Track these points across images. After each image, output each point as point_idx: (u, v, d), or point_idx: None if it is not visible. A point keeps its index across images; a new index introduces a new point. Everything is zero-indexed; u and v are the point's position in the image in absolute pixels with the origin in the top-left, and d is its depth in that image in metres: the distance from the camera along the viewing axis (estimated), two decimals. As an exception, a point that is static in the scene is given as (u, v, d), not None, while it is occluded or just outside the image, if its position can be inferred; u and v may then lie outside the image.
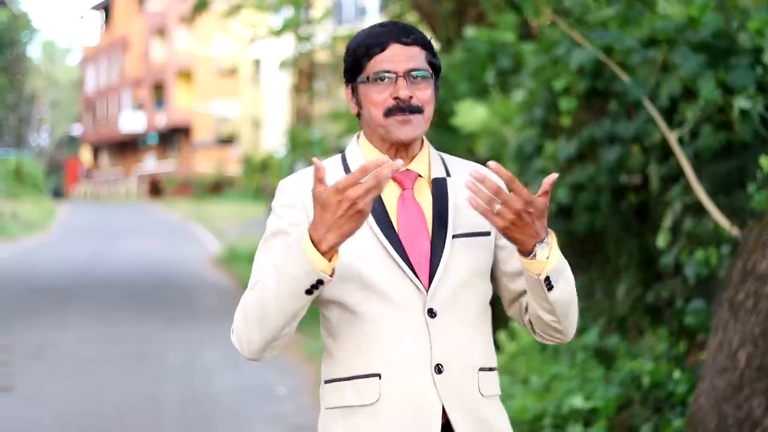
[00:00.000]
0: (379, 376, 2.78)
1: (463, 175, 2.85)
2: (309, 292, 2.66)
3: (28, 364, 10.84)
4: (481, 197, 2.64)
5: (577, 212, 7.52)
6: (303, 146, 22.26)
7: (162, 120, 69.40)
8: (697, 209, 6.63)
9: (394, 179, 2.85)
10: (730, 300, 5.47)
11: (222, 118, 61.59)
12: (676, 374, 6.57)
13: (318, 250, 2.61)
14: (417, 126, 2.82)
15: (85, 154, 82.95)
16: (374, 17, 38.04)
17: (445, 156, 2.97)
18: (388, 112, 2.82)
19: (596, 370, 7.18)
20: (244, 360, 11.11)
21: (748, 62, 6.58)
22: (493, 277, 2.93)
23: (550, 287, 2.74)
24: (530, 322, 2.89)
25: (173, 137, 69.92)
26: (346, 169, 2.88)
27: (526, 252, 2.71)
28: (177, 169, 66.59)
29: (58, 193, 74.73)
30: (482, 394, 2.83)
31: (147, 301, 16.69)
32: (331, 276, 2.64)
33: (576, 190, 7.39)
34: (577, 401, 6.62)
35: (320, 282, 2.64)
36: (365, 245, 2.79)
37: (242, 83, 57.81)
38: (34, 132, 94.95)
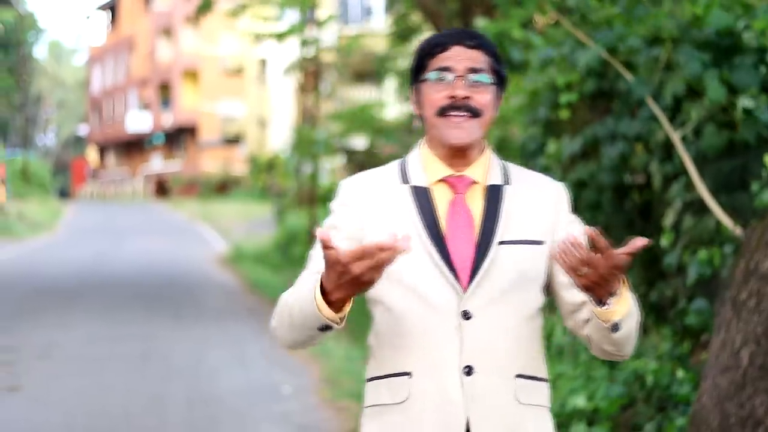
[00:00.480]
0: (410, 374, 2.81)
1: (525, 185, 2.89)
2: (321, 329, 2.71)
3: (34, 364, 10.87)
4: (570, 260, 2.60)
5: (579, 210, 7.53)
6: (308, 146, 22.29)
7: (168, 120, 69.46)
8: (699, 208, 6.65)
9: (448, 183, 2.87)
10: (733, 299, 5.48)
11: (228, 118, 61.65)
12: (680, 374, 6.59)
13: (328, 299, 2.65)
14: (470, 130, 2.83)
15: (92, 154, 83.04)
16: (380, 17, 38.06)
17: (510, 165, 2.96)
18: (442, 111, 2.83)
19: (600, 369, 7.18)
20: (250, 359, 11.17)
21: (752, 61, 6.59)
22: (550, 289, 2.92)
23: (615, 330, 2.73)
24: (588, 339, 2.87)
25: (179, 137, 69.98)
26: (403, 177, 2.91)
27: (599, 301, 2.69)
28: (183, 169, 66.65)
29: (64, 193, 74.82)
30: (519, 401, 2.83)
31: (153, 301, 16.72)
32: (339, 323, 2.68)
33: (578, 188, 7.40)
34: (580, 401, 6.63)
35: (329, 326, 2.68)
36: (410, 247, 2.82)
37: (248, 83, 57.85)
38: (40, 132, 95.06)
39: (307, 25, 19.75)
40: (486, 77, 2.84)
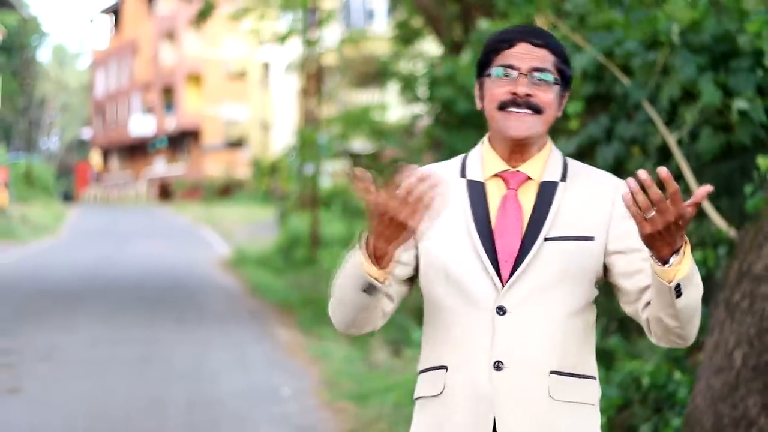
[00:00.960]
0: (446, 368, 2.87)
1: (582, 181, 2.90)
2: (366, 291, 2.75)
3: (36, 366, 10.92)
4: (639, 199, 2.56)
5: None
6: (310, 149, 22.33)
7: (171, 123, 69.52)
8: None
9: (503, 178, 2.92)
10: (726, 300, 5.52)
11: (231, 122, 61.70)
12: (676, 375, 6.62)
13: (373, 255, 2.70)
14: (530, 125, 2.86)
15: (95, 158, 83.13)
16: (382, 21, 38.11)
17: (572, 162, 2.98)
18: (502, 106, 2.87)
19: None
20: (250, 362, 11.22)
21: (748, 65, 6.63)
22: (610, 282, 2.93)
23: (678, 294, 2.69)
24: (648, 323, 2.85)
25: (183, 140, 70.04)
26: (462, 171, 2.96)
27: (661, 259, 2.67)
28: (186, 173, 66.70)
29: (68, 197, 74.91)
30: (552, 398, 2.83)
31: (156, 304, 16.76)
32: (382, 282, 2.73)
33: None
34: (577, 401, 6.66)
35: (373, 285, 2.73)
36: (458, 240, 2.88)
37: (251, 86, 57.93)
38: (43, 136, 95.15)
39: (308, 26, 19.80)
40: (549, 76, 2.87)
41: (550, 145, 2.97)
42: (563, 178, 2.92)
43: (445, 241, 2.89)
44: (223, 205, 50.08)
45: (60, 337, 12.90)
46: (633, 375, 6.91)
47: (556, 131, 7.96)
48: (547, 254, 2.85)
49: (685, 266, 2.67)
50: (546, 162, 2.93)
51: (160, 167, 70.98)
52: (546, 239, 2.85)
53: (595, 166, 7.50)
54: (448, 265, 2.88)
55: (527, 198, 2.91)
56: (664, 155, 7.11)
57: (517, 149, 2.90)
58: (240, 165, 60.72)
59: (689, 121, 6.61)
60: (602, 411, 6.61)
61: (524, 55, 2.86)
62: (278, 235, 27.56)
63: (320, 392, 9.55)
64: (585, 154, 7.71)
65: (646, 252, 2.73)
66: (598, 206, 2.90)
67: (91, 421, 8.38)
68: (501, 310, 2.84)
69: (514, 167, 2.92)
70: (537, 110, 2.85)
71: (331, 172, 30.22)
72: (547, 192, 2.90)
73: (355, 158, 28.16)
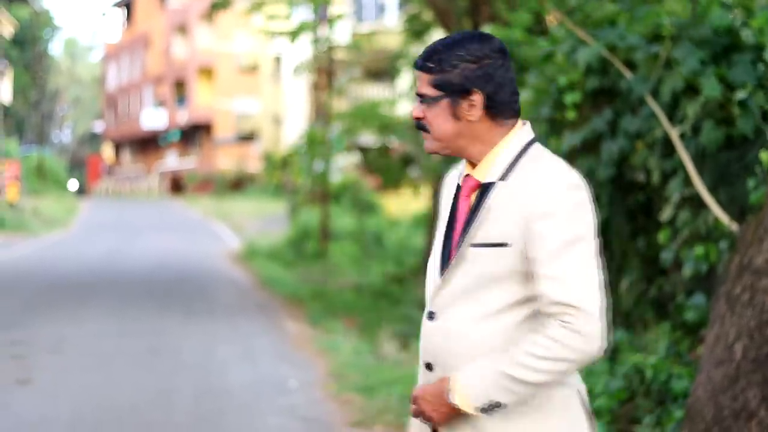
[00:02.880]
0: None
1: (522, 182, 2.95)
2: None
3: (45, 358, 10.99)
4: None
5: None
6: (320, 144, 22.37)
7: (183, 117, 69.64)
8: (697, 203, 6.72)
9: (463, 185, 3.07)
10: (727, 294, 5.56)
11: (243, 115, 61.79)
12: (679, 368, 6.67)
13: None
14: (428, 144, 3.06)
15: (107, 151, 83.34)
16: (393, 15, 38.13)
17: (527, 160, 2.99)
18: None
19: (601, 363, 7.26)
20: (258, 354, 11.26)
21: (750, 58, 6.67)
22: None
23: (495, 406, 2.89)
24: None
25: (194, 134, 70.17)
26: (461, 174, 3.16)
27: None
28: (198, 166, 66.83)
29: (80, 190, 75.07)
30: None
31: (165, 297, 16.84)
32: None
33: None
34: (580, 394, 6.71)
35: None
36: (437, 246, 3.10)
37: (263, 80, 57.99)
38: (56, 129, 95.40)
39: (319, 23, 19.84)
40: (429, 99, 2.99)
41: (502, 146, 3.01)
42: (503, 177, 2.98)
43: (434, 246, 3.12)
44: (235, 198, 50.20)
45: (69, 329, 12.98)
46: (636, 368, 6.96)
47: (560, 125, 8.00)
48: (471, 259, 2.96)
49: (464, 403, 2.90)
50: (492, 164, 3.01)
51: (172, 161, 71.13)
52: (471, 245, 2.96)
53: (600, 159, 7.56)
54: (428, 268, 3.10)
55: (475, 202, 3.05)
56: (667, 148, 7.15)
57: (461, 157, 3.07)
58: (251, 159, 60.83)
59: (691, 115, 6.65)
60: (605, 403, 6.65)
61: (417, 81, 3.05)
62: (289, 229, 27.64)
63: (327, 384, 9.60)
64: (589, 148, 7.76)
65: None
66: (519, 209, 2.93)
67: (99, 412, 8.45)
68: (430, 315, 3.02)
69: (468, 173, 3.05)
70: (427, 130, 3.00)
71: (342, 167, 30.27)
72: (483, 195, 3.00)
73: (365, 152, 28.22)
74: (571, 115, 7.58)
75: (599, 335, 2.83)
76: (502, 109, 2.98)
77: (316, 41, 15.74)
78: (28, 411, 8.43)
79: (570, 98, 7.42)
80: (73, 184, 69.05)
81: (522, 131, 3.01)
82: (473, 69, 2.95)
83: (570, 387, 2.98)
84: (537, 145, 3.02)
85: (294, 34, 15.93)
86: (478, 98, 2.97)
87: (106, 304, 15.79)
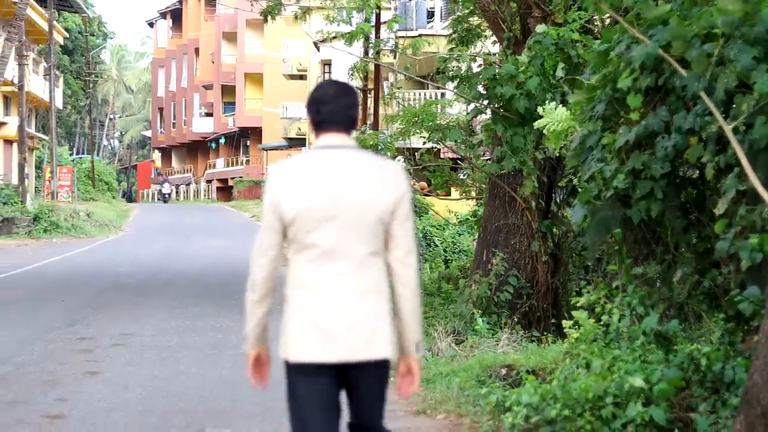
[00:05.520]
0: None
1: None
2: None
3: (111, 352, 11.32)
4: None
5: (634, 200, 7.79)
6: (371, 149, 22.59)
7: (231, 122, 70.16)
8: (752, 198, 6.90)
9: None
10: (781, 282, 5.74)
11: (290, 120, 62.15)
12: (732, 358, 6.84)
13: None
14: None
15: (156, 157, 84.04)
16: (441, 21, 38.34)
17: None
18: None
19: (656, 354, 7.44)
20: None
21: (802, 56, 6.84)
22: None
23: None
24: None
25: (242, 139, 70.67)
26: None
27: None
28: (246, 171, 67.30)
29: (129, 196, 75.75)
30: None
31: (221, 297, 17.17)
32: None
33: (633, 177, 7.66)
34: (638, 380, 6.90)
35: None
36: None
37: (310, 85, 58.32)
38: (106, 135, 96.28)
39: (372, 27, 20.05)
40: None
41: None
42: None
43: None
44: (283, 203, 50.42)
45: (131, 326, 13.31)
46: (691, 357, 7.14)
47: (614, 122, 8.19)
48: None
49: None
50: None
51: (220, 165, 71.64)
52: None
53: (655, 156, 7.72)
54: None
55: None
56: (721, 144, 7.33)
57: None
58: (299, 163, 61.04)
59: (745, 110, 6.83)
60: (661, 391, 6.83)
61: None
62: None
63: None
64: (644, 144, 7.95)
65: None
66: None
67: (168, 401, 8.74)
68: None
69: None
70: None
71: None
72: None
73: (414, 155, 28.41)
74: (635, 116, 7.77)
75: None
76: None
77: (376, 43, 15.96)
78: (99, 400, 8.74)
79: (633, 102, 7.61)
80: (122, 190, 69.63)
81: None
82: None
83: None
84: None
85: (351, 37, 16.17)
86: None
87: (164, 303, 16.13)
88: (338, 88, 4.54)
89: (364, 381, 4.48)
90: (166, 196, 68.06)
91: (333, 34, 13.95)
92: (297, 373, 4.50)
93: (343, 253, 4.35)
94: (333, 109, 4.50)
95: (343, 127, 4.51)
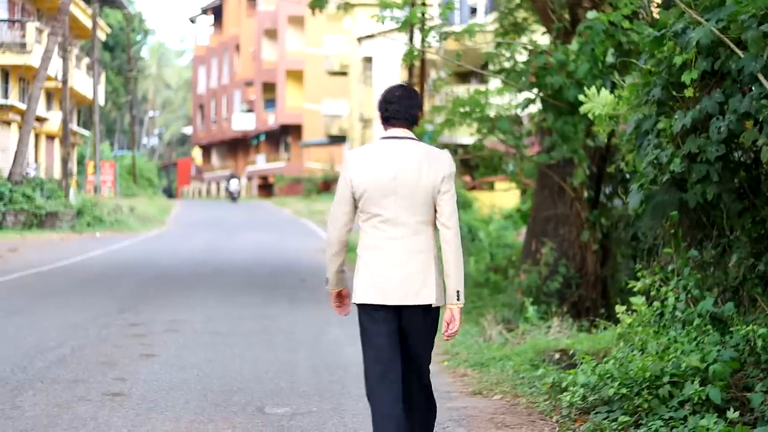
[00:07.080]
0: None
1: None
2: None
3: (164, 336, 11.45)
4: None
5: (690, 184, 7.83)
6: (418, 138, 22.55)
7: (272, 119, 70.42)
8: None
9: None
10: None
11: (332, 117, 62.34)
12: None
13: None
14: None
15: (196, 154, 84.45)
16: (484, 16, 38.35)
17: None
18: None
19: (711, 336, 7.48)
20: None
21: None
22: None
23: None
24: None
25: (283, 136, 70.92)
26: None
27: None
28: (287, 168, 67.55)
29: (170, 191, 76.16)
30: None
31: (267, 287, 17.32)
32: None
33: (689, 161, 7.70)
34: (694, 360, 6.95)
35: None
36: None
37: (352, 82, 58.50)
38: (146, 132, 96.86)
39: (426, 6, 20.01)
40: None
41: None
42: None
43: None
44: (324, 200, 50.69)
45: (181, 314, 13.46)
46: (746, 339, 7.17)
47: (669, 106, 8.22)
48: None
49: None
50: None
51: (261, 162, 71.91)
52: None
53: (709, 139, 7.74)
54: None
55: None
56: (778, 127, 7.35)
57: None
58: (340, 160, 61.27)
59: (803, 92, 6.85)
60: (718, 371, 6.86)
61: None
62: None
63: (440, 361, 9.93)
64: (699, 128, 7.98)
65: None
66: None
67: (225, 380, 8.86)
68: None
69: None
70: None
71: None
72: None
73: (456, 151, 28.43)
74: (689, 92, 7.78)
75: None
76: None
77: (426, 31, 16.00)
78: (157, 380, 8.86)
79: (687, 77, 7.63)
80: (163, 186, 69.96)
81: None
82: None
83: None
84: None
85: (402, 26, 16.22)
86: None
87: (212, 292, 16.29)
88: (403, 90, 5.54)
89: (414, 322, 5.39)
90: (235, 194, 60.23)
91: (384, 19, 13.99)
92: (364, 312, 5.44)
93: (400, 221, 5.34)
94: (398, 107, 5.46)
95: (405, 123, 5.47)
